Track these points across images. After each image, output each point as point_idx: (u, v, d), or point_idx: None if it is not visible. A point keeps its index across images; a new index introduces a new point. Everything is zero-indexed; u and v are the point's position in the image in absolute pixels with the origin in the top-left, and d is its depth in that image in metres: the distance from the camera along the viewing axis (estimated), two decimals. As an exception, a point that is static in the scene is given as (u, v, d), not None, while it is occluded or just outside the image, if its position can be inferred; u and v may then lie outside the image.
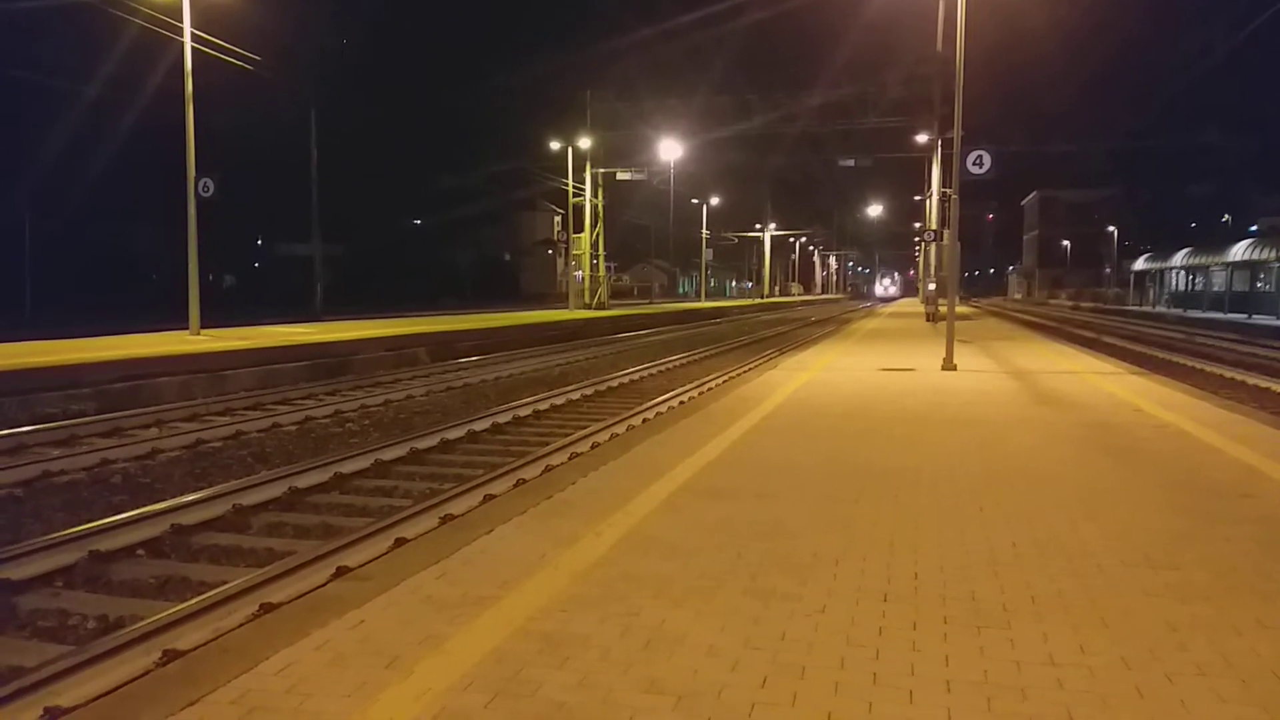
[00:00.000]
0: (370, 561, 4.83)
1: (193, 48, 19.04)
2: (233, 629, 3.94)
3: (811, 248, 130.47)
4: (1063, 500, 5.52)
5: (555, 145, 41.78)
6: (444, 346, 21.00)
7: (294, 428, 11.31)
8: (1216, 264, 47.33)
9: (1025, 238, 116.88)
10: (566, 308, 41.73)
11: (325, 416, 12.09)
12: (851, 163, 39.54)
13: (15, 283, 43.41)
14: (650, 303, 63.47)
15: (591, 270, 42.80)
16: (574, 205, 41.87)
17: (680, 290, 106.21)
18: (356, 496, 7.73)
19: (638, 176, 43.46)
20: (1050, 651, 3.31)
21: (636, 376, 17.01)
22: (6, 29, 40.29)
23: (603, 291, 43.74)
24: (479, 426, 10.82)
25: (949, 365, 13.89)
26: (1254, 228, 71.98)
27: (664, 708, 2.89)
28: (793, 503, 5.46)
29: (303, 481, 7.78)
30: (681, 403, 12.34)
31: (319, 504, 7.46)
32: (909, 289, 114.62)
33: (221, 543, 6.37)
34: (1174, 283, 56.80)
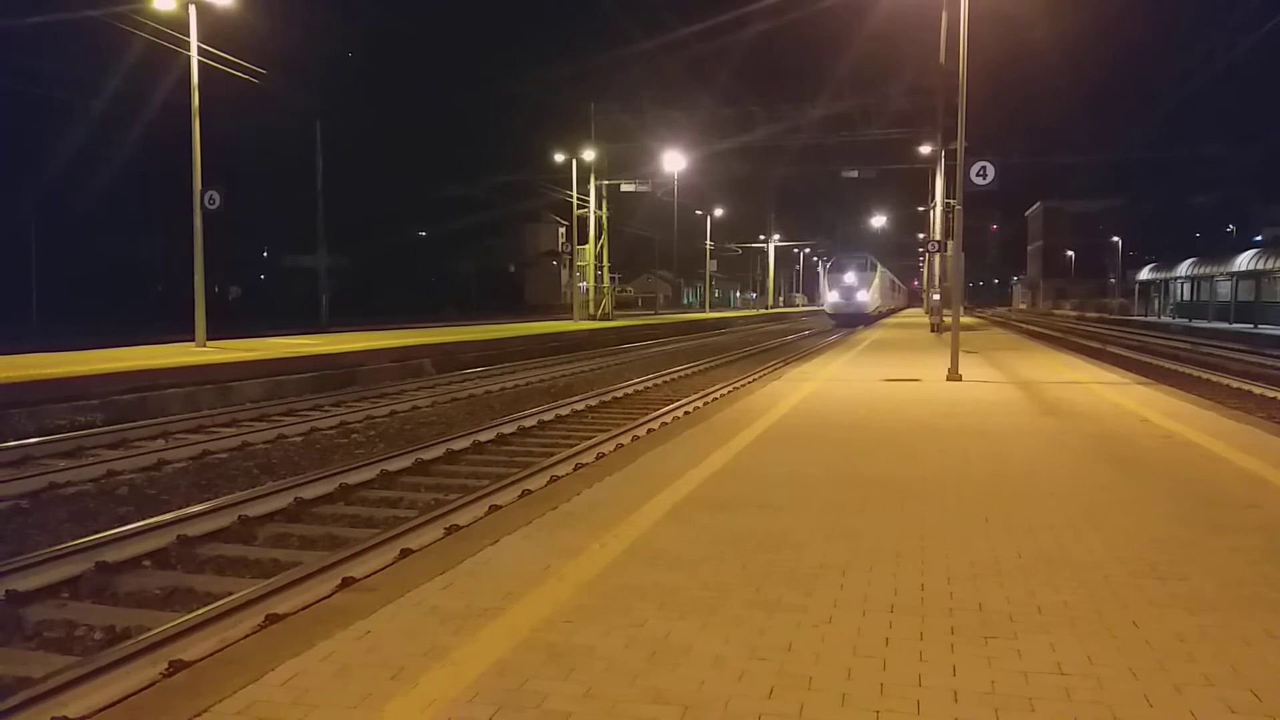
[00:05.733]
0: (376, 572, 4.84)
1: (199, 61, 19.18)
2: (239, 640, 3.94)
3: (815, 258, 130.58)
4: (1069, 510, 5.50)
5: (560, 157, 42.00)
6: (449, 357, 21.03)
7: (299, 439, 11.32)
8: (1221, 274, 47.26)
9: (1029, 248, 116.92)
10: (571, 319, 41.78)
11: (331, 428, 12.11)
12: (855, 174, 39.74)
13: (22, 294, 43.59)
14: (655, 314, 63.53)
15: (596, 281, 42.88)
16: (578, 217, 42.00)
17: (685, 301, 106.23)
18: (362, 507, 7.73)
19: (642, 188, 43.64)
20: (1058, 662, 3.30)
21: (641, 387, 17.01)
22: (14, 43, 40.49)
23: (607, 302, 43.80)
24: (484, 438, 10.83)
25: (954, 376, 13.86)
26: (1258, 238, 71.88)
27: (670, 719, 2.89)
28: (798, 513, 5.45)
29: (308, 493, 7.79)
30: (686, 413, 12.33)
31: (324, 515, 7.46)
32: (913, 299, 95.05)
33: (227, 554, 6.38)
34: (1179, 293, 56.74)
